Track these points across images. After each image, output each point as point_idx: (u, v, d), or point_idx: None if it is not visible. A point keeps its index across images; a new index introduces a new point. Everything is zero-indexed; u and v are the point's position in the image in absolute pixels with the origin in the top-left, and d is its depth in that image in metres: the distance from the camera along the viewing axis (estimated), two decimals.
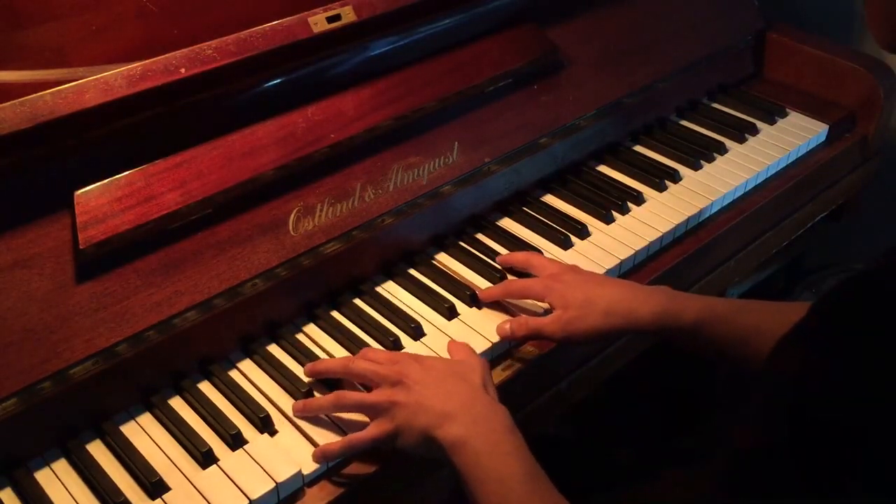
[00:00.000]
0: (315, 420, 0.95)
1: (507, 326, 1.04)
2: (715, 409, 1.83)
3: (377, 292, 1.13)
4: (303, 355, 1.02)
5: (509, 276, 1.15)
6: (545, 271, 1.08)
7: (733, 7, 1.57)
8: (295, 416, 0.96)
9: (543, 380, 1.10)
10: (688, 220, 1.27)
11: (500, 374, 1.03)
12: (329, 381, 0.99)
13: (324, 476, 0.92)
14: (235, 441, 0.92)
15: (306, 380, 0.99)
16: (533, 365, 1.05)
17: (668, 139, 1.44)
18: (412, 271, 1.16)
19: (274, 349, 1.04)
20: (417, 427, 0.87)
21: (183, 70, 0.97)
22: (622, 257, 1.19)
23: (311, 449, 0.92)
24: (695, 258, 1.26)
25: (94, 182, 0.94)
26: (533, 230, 1.24)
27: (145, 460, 0.91)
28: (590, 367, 1.15)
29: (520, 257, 1.14)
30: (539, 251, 1.18)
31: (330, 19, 1.07)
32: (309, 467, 0.91)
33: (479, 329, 1.06)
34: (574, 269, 1.08)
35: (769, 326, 0.95)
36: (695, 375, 1.74)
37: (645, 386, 1.70)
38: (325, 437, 0.93)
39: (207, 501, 0.87)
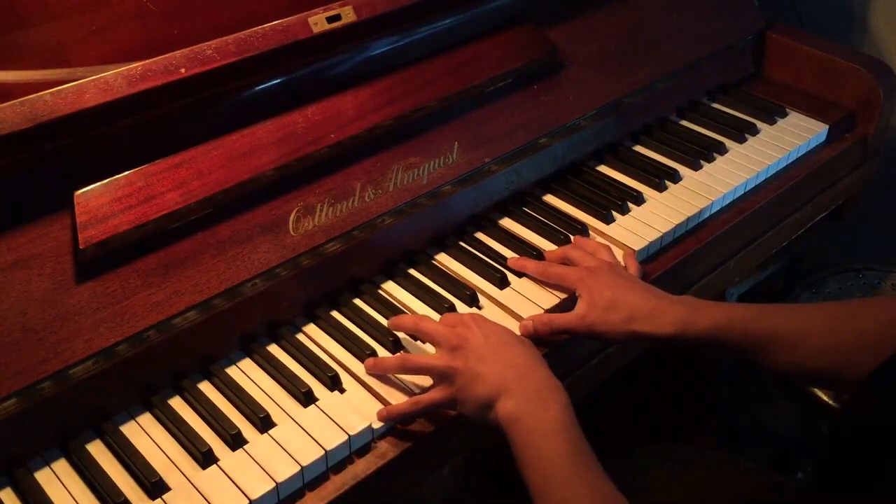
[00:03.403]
0: (316, 419, 0.95)
1: (530, 324, 1.06)
2: (715, 408, 1.83)
3: (377, 292, 1.13)
4: (303, 355, 1.02)
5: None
6: (583, 263, 1.10)
7: (733, 7, 1.56)
8: (367, 373, 0.99)
9: None
10: (688, 220, 1.27)
11: None
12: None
13: (323, 475, 0.92)
14: (235, 441, 0.92)
15: (306, 380, 0.99)
16: None
17: (668, 139, 1.44)
18: (412, 271, 1.16)
19: (274, 349, 1.04)
20: (474, 396, 0.90)
21: (183, 70, 0.97)
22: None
23: (311, 448, 0.92)
24: (695, 258, 1.26)
25: (94, 182, 0.94)
26: (533, 230, 1.24)
27: (145, 460, 0.91)
28: (590, 367, 1.15)
29: (558, 253, 1.16)
30: (586, 230, 1.23)
31: (330, 19, 1.07)
32: (309, 464, 0.91)
33: None
34: (611, 266, 1.09)
35: (786, 331, 0.96)
36: (695, 375, 1.75)
37: (645, 385, 1.70)
38: (327, 437, 0.93)
39: (207, 501, 0.87)
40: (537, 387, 0.89)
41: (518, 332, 1.05)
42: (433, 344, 0.98)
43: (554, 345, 1.07)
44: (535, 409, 0.87)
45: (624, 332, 1.01)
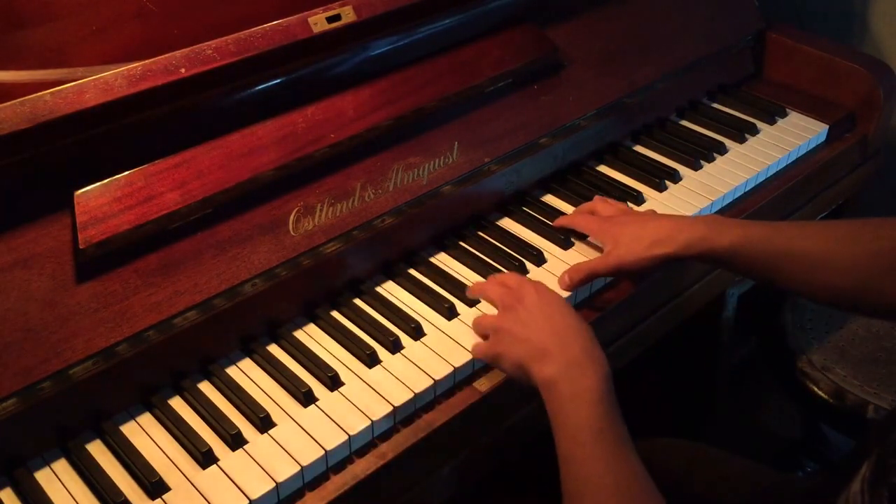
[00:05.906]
0: (316, 419, 0.95)
1: (565, 277, 1.11)
2: (716, 407, 1.83)
3: (377, 292, 1.13)
4: (303, 355, 1.02)
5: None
6: (603, 213, 1.18)
7: (733, 7, 1.57)
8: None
9: None
10: None
11: (501, 373, 1.03)
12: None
13: (323, 475, 0.92)
14: (235, 441, 0.92)
15: (306, 380, 0.99)
16: None
17: (668, 139, 1.44)
18: (412, 271, 1.16)
19: (274, 349, 1.04)
20: (515, 356, 0.92)
21: (183, 70, 0.97)
22: None
23: (311, 448, 0.92)
24: None
25: (94, 182, 0.94)
26: (533, 230, 1.24)
27: (145, 460, 0.91)
28: None
29: (587, 205, 1.22)
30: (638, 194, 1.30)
31: (330, 19, 1.07)
32: (309, 464, 0.91)
33: None
34: (627, 210, 1.18)
35: (805, 250, 0.97)
36: (696, 373, 1.74)
37: (645, 384, 1.70)
38: (327, 437, 0.93)
39: (207, 501, 0.87)
40: (578, 354, 0.89)
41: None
42: (493, 305, 1.01)
43: None
44: (572, 376, 0.87)
45: (648, 258, 1.04)
